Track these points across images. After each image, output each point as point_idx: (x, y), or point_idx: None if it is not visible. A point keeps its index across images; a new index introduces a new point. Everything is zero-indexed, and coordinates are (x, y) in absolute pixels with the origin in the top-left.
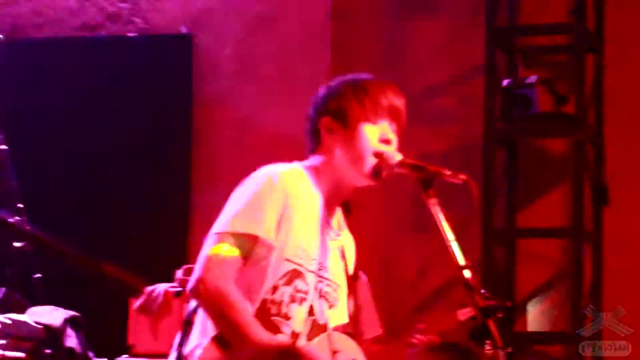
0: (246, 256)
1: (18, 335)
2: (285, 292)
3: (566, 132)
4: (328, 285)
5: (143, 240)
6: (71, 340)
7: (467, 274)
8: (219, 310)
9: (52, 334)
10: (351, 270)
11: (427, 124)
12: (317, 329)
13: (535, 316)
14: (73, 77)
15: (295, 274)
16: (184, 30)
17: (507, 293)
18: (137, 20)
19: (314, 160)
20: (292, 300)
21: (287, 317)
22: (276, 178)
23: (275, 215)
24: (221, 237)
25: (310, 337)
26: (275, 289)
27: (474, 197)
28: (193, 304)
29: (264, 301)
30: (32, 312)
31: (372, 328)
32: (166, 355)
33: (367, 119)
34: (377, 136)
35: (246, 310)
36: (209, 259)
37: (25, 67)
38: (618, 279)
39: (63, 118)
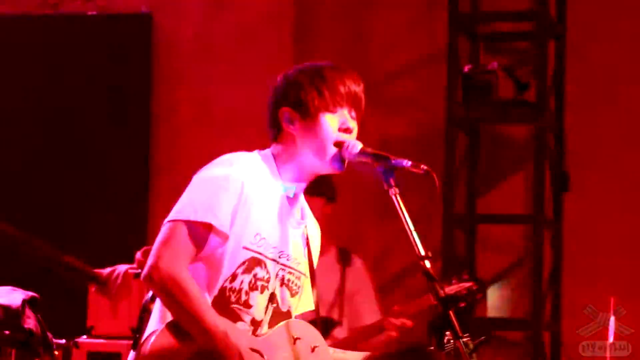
0: (200, 244)
1: None
2: (244, 280)
3: (527, 119)
4: (290, 273)
5: (102, 222)
6: (30, 321)
7: (427, 264)
8: (172, 297)
9: (10, 315)
10: (316, 259)
11: (389, 109)
12: (279, 316)
13: (494, 302)
14: (31, 55)
15: (254, 262)
16: (144, 9)
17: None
18: None
19: (275, 148)
20: (253, 288)
21: (247, 305)
22: (234, 166)
23: (231, 203)
24: (175, 224)
25: (271, 325)
26: (234, 277)
27: (436, 187)
28: (150, 292)
29: (223, 289)
30: None
31: (370, 314)
32: (125, 336)
33: (327, 109)
34: (337, 125)
35: (200, 297)
36: (162, 247)
37: None
38: (577, 266)
39: (20, 96)
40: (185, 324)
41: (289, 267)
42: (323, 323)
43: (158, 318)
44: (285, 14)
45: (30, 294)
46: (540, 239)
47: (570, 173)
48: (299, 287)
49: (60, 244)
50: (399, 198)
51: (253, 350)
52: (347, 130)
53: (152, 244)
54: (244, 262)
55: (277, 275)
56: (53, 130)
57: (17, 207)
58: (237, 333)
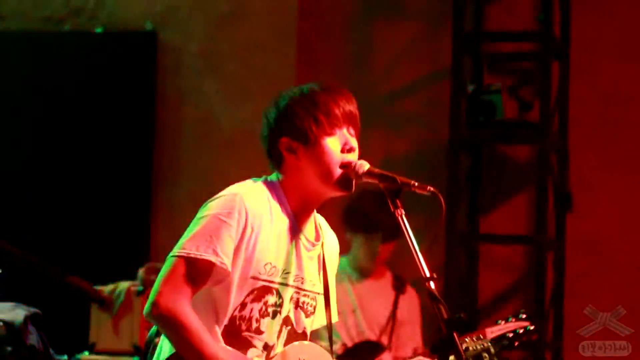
0: (202, 279)
1: None
2: (254, 307)
3: (530, 139)
4: (305, 295)
5: (104, 238)
6: (32, 337)
7: (432, 285)
8: (173, 332)
9: (12, 331)
10: (332, 276)
11: (392, 128)
12: (294, 337)
13: None
14: (35, 71)
15: (263, 290)
16: (149, 26)
17: (470, 298)
18: (102, 15)
19: (280, 175)
20: (264, 315)
21: (258, 332)
22: (238, 200)
23: (233, 239)
24: (177, 260)
25: (286, 344)
26: (243, 305)
27: (441, 209)
28: (154, 328)
29: (233, 318)
30: None
31: (413, 346)
32: (127, 352)
33: (326, 133)
34: (339, 146)
35: (199, 330)
36: (163, 283)
37: None
38: (579, 286)
39: (24, 113)
40: (186, 357)
41: (303, 289)
42: (373, 346)
43: (163, 350)
44: (289, 31)
45: (33, 310)
46: (542, 259)
47: (573, 193)
48: (314, 308)
49: (62, 261)
50: (404, 219)
51: None
52: (350, 150)
53: (153, 260)
54: (252, 291)
55: (291, 298)
56: (56, 147)
57: (19, 224)
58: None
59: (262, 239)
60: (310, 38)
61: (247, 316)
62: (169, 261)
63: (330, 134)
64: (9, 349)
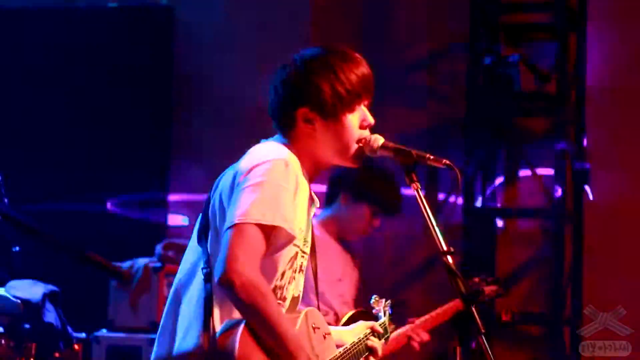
0: (269, 245)
1: None
2: (288, 275)
3: (547, 112)
4: (304, 257)
5: (124, 216)
6: (50, 315)
7: (449, 259)
8: (252, 302)
9: (30, 309)
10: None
11: (409, 101)
12: (293, 301)
13: None
14: (52, 47)
15: (295, 256)
16: (164, 1)
17: (487, 272)
18: None
19: (289, 140)
20: (290, 281)
21: (284, 299)
22: (288, 165)
23: (293, 203)
24: (245, 227)
25: (289, 310)
26: (283, 274)
27: (456, 181)
28: (206, 288)
29: (275, 288)
30: (11, 287)
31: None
32: (145, 329)
33: (348, 109)
34: (358, 122)
35: (275, 302)
36: (238, 249)
37: (2, 36)
38: (598, 260)
39: (42, 90)
40: (260, 327)
41: (305, 252)
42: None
43: (227, 313)
44: (305, 6)
45: (51, 287)
46: (560, 232)
47: (591, 166)
48: (304, 268)
49: (81, 238)
50: (420, 193)
51: None
52: (367, 126)
53: (170, 237)
54: (291, 259)
55: (299, 262)
56: (74, 123)
57: (38, 201)
58: (301, 336)
59: (300, 204)
60: (326, 13)
61: (283, 284)
62: (235, 229)
63: (351, 110)
64: (27, 326)
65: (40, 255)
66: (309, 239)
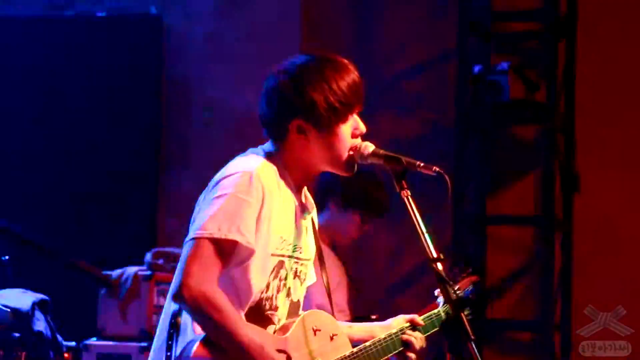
0: (226, 259)
1: None
2: (274, 285)
3: (537, 120)
4: (302, 264)
5: (111, 222)
6: (40, 323)
7: (439, 266)
8: (206, 315)
9: (20, 318)
10: (318, 240)
11: (399, 109)
12: (293, 307)
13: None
14: (41, 56)
15: (279, 265)
16: (153, 10)
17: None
18: None
19: (279, 147)
20: (278, 290)
21: (276, 308)
22: (253, 177)
23: (254, 216)
24: (200, 242)
25: (288, 317)
26: (267, 286)
27: (447, 189)
28: (175, 306)
29: (260, 300)
30: (0, 296)
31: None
32: (135, 337)
33: (341, 121)
34: (350, 131)
35: (232, 312)
36: (190, 264)
37: None
38: (588, 267)
39: (30, 98)
40: (220, 339)
41: (301, 259)
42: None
43: (189, 330)
44: (295, 13)
45: (40, 296)
46: (550, 240)
47: (580, 174)
48: (305, 275)
49: (70, 247)
50: (410, 200)
51: (279, 351)
52: (360, 135)
53: (159, 245)
54: (273, 269)
55: (292, 269)
56: (61, 132)
57: (26, 210)
58: (270, 342)
59: (275, 213)
60: (316, 20)
61: (270, 295)
62: (191, 243)
63: (344, 121)
64: (17, 335)
65: (29, 265)
66: (305, 245)
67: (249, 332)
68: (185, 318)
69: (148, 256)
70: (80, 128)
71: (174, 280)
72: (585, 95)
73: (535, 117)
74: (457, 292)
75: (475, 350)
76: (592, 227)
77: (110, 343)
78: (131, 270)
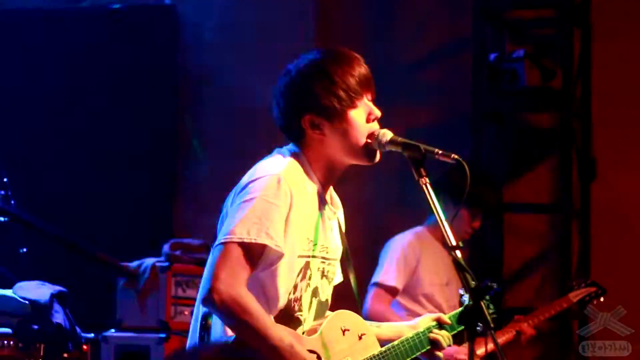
0: (255, 263)
1: (4, 311)
2: (302, 287)
3: (553, 107)
4: (329, 264)
5: (129, 215)
6: (58, 315)
7: (458, 254)
8: (236, 318)
9: (38, 310)
10: (344, 239)
11: (414, 98)
12: (320, 307)
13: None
14: (56, 48)
15: (306, 266)
16: (167, 1)
17: (495, 268)
18: None
19: (301, 147)
20: (305, 290)
21: (305, 309)
22: (281, 180)
23: (282, 220)
24: (229, 246)
25: (316, 317)
26: (295, 287)
27: (465, 176)
28: (204, 309)
29: (289, 302)
30: (19, 288)
31: None
32: (153, 329)
33: (350, 107)
34: (365, 117)
35: (262, 314)
36: (219, 269)
37: (6, 38)
38: (605, 254)
39: (46, 92)
40: (250, 341)
41: (328, 259)
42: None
43: (221, 331)
44: (308, 3)
45: (59, 288)
46: (567, 228)
47: (597, 161)
48: (333, 274)
49: (88, 239)
50: (429, 187)
51: (310, 351)
52: (375, 119)
53: (177, 236)
54: (301, 271)
55: (318, 269)
56: (78, 124)
57: (44, 202)
58: (300, 342)
59: (302, 215)
60: (330, 10)
61: (299, 296)
62: (220, 248)
63: (353, 107)
64: (35, 327)
65: (47, 257)
66: (332, 245)
67: (279, 333)
68: (215, 320)
69: (165, 247)
70: (96, 120)
71: (202, 284)
72: (602, 82)
73: (552, 104)
74: (476, 281)
75: (495, 339)
76: (609, 214)
77: (129, 334)
78: (149, 261)
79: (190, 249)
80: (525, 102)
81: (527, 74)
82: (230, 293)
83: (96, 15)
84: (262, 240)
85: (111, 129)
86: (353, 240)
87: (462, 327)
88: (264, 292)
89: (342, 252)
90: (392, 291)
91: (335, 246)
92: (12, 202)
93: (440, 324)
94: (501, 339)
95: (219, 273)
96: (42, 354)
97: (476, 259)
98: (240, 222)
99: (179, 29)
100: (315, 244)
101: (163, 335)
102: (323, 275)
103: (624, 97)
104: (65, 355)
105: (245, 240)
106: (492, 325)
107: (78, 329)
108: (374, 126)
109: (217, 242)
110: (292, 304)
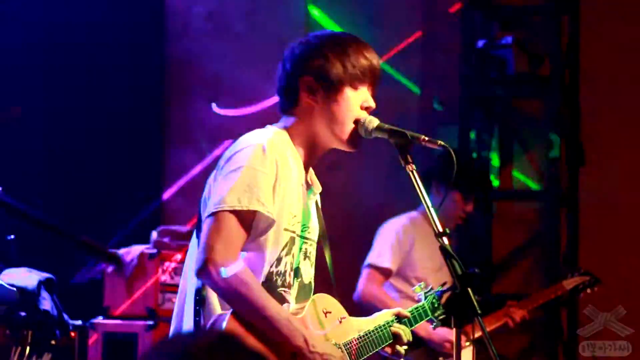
0: (248, 231)
1: None
2: (287, 262)
3: (541, 94)
4: (310, 245)
5: (118, 202)
6: (46, 302)
7: (445, 240)
8: (233, 290)
9: (26, 297)
10: (322, 220)
11: (402, 85)
12: (303, 289)
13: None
14: (44, 34)
15: (292, 242)
16: None
17: (484, 254)
18: None
19: (288, 122)
20: (291, 268)
21: (290, 286)
22: (266, 148)
23: (271, 187)
24: (221, 215)
25: (298, 300)
26: (279, 260)
27: (452, 163)
28: (198, 282)
29: (270, 274)
30: (6, 275)
31: None
32: (141, 316)
33: (350, 84)
34: (359, 102)
35: (258, 286)
36: (213, 240)
37: None
38: (594, 240)
39: (33, 77)
40: (247, 314)
41: (310, 239)
42: None
43: (218, 304)
44: None
45: (46, 275)
46: (555, 215)
47: (585, 149)
48: (314, 256)
49: (76, 225)
50: (416, 174)
51: None
52: (367, 109)
53: (166, 223)
54: (286, 244)
55: (301, 249)
56: (65, 111)
57: (32, 189)
58: (307, 321)
59: (288, 188)
60: None
61: (282, 271)
62: (212, 218)
63: (353, 87)
64: (23, 314)
65: (35, 243)
66: (312, 226)
67: (276, 306)
68: (209, 293)
69: (154, 234)
70: (83, 107)
71: (197, 257)
72: (590, 69)
73: (540, 91)
74: (463, 268)
75: (483, 325)
76: (597, 201)
77: (117, 322)
78: (137, 248)
79: (179, 236)
80: (513, 89)
81: (516, 60)
82: (225, 265)
83: (82, 1)
84: (253, 206)
85: (98, 115)
86: (340, 228)
87: (422, 321)
88: (249, 263)
89: (319, 233)
90: (385, 272)
91: (315, 226)
92: (0, 188)
93: (400, 318)
94: (491, 326)
95: (213, 244)
96: (29, 340)
97: (465, 245)
98: (230, 191)
99: (166, 16)
100: (299, 222)
101: (151, 323)
102: (306, 256)
103: (612, 84)
104: (53, 342)
105: (237, 208)
106: (479, 311)
107: (66, 316)
108: (363, 113)
109: (207, 213)
110: (275, 277)
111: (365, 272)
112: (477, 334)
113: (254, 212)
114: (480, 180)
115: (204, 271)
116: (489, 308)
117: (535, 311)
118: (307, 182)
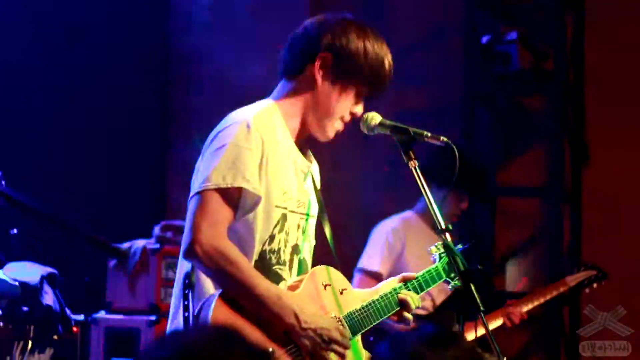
0: (234, 209)
1: None
2: (281, 239)
3: (546, 90)
4: (306, 220)
5: (120, 196)
6: (48, 297)
7: (447, 236)
8: (220, 269)
9: (29, 291)
10: (320, 195)
11: (407, 82)
12: (302, 265)
13: (513, 275)
14: (45, 31)
15: (284, 218)
16: None
17: (487, 251)
18: None
19: (282, 90)
20: (286, 244)
21: (285, 263)
22: (251, 124)
23: (256, 163)
24: (206, 194)
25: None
26: (272, 238)
27: (454, 158)
28: (187, 265)
29: (263, 252)
30: (8, 269)
31: None
32: (144, 311)
33: (358, 87)
34: (353, 106)
35: (247, 264)
36: (199, 219)
37: None
38: (597, 237)
39: (33, 69)
40: (236, 292)
41: (304, 214)
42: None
43: (204, 289)
44: None
45: (49, 270)
46: (558, 211)
47: (589, 145)
48: (311, 231)
49: (78, 220)
50: (418, 170)
51: None
52: (353, 114)
53: (168, 218)
54: (278, 222)
55: (298, 226)
56: (68, 107)
57: (35, 183)
58: (287, 293)
59: (277, 164)
60: None
61: (276, 248)
62: (198, 198)
63: (358, 91)
64: (25, 309)
65: (38, 238)
66: (308, 201)
67: (265, 284)
68: (199, 276)
69: (156, 229)
70: (87, 103)
71: (184, 238)
72: (594, 65)
73: (544, 87)
74: (466, 264)
75: (485, 321)
76: (601, 198)
77: (119, 317)
78: (139, 243)
79: (181, 231)
80: (517, 85)
81: (520, 56)
82: (212, 244)
83: None
84: (238, 183)
85: (101, 109)
86: (342, 225)
87: (435, 284)
88: (240, 242)
89: (318, 208)
90: (375, 276)
91: (311, 203)
92: (3, 182)
93: (407, 282)
94: (491, 325)
95: (199, 224)
96: (31, 335)
97: (467, 242)
98: (214, 169)
99: (170, 10)
100: (291, 198)
101: (153, 318)
102: (303, 232)
103: (616, 80)
104: (55, 337)
105: (222, 186)
106: (482, 308)
107: (68, 311)
108: (347, 117)
109: (192, 192)
110: (268, 255)
111: (356, 277)
112: (473, 334)
113: (240, 190)
114: (478, 177)
115: (191, 252)
116: (488, 306)
117: (537, 309)
118: (299, 154)
